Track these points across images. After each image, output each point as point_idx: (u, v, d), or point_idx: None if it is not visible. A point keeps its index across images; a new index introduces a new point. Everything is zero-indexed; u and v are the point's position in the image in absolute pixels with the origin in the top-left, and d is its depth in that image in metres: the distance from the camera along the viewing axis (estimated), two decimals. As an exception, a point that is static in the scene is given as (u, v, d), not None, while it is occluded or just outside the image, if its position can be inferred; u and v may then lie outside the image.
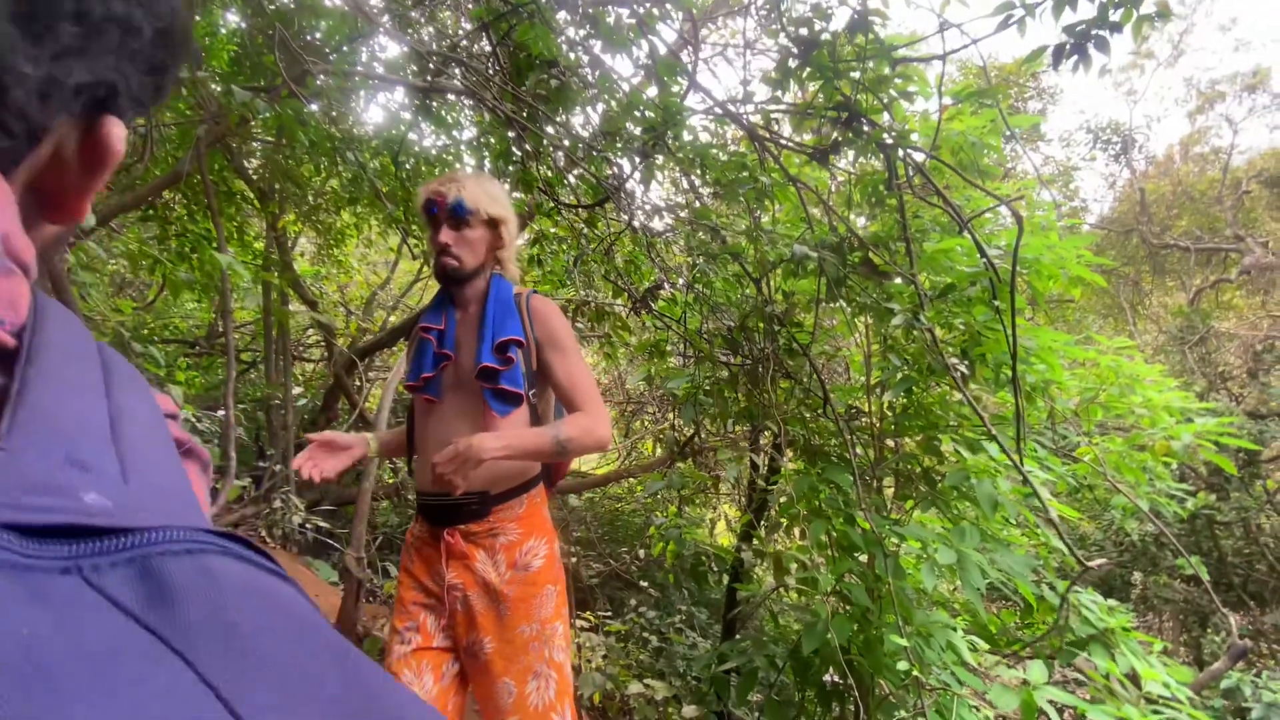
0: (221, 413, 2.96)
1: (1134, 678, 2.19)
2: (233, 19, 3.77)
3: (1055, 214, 2.48)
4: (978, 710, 2.25)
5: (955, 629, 2.36)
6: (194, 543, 0.23)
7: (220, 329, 5.91)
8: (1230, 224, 7.61)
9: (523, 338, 1.36)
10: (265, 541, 4.21)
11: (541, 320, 1.41)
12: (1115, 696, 2.12)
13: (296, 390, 5.45)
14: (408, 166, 3.41)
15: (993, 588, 2.57)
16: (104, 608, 0.19)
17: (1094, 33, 1.42)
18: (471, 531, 1.35)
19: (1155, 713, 2.05)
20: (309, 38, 3.21)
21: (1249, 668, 4.94)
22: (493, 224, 1.38)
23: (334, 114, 3.04)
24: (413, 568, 1.39)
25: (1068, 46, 1.44)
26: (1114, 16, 1.41)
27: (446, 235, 1.35)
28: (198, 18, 2.99)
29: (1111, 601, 2.61)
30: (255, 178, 4.10)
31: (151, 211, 3.89)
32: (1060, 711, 2.13)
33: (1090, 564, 1.57)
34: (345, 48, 2.95)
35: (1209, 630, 6.00)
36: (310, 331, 6.16)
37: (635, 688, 3.15)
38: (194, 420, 3.48)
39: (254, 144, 3.91)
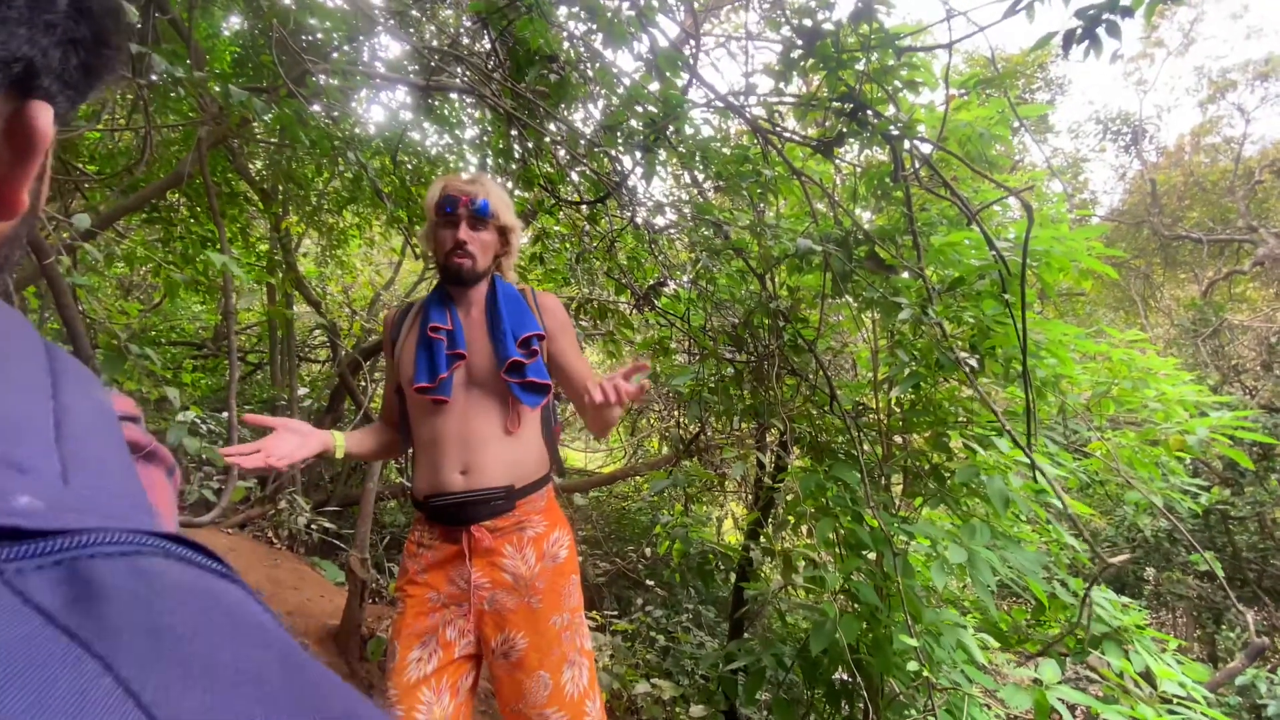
0: (225, 415, 2.96)
1: (1148, 676, 2.15)
2: (235, 21, 3.77)
3: (1065, 205, 2.44)
4: (989, 709, 2.22)
5: (966, 627, 2.33)
6: (131, 544, 0.22)
7: (226, 331, 5.93)
8: (1243, 215, 7.50)
9: (542, 332, 1.42)
10: (271, 542, 4.22)
11: (551, 313, 1.48)
12: (1129, 695, 2.08)
13: (302, 391, 5.47)
14: (409, 166, 3.39)
15: (1003, 585, 2.53)
16: (19, 610, 0.19)
17: (1105, 17, 1.38)
18: (498, 527, 1.35)
19: (1171, 712, 2.01)
20: (309, 38, 3.20)
21: (1264, 664, 4.88)
22: (504, 231, 1.42)
23: (335, 114, 3.03)
24: (426, 578, 1.35)
25: (1078, 31, 1.41)
26: (1125, 1, 1.37)
27: (465, 233, 1.37)
28: (199, 18, 2.99)
29: (1125, 598, 2.57)
30: (258, 179, 4.10)
31: (155, 214, 3.90)
32: (1072, 710, 2.10)
33: (1111, 561, 1.54)
34: (346, 47, 2.93)
35: (1223, 626, 5.93)
36: (316, 332, 6.17)
37: (642, 687, 3.13)
38: (199, 422, 3.49)
39: (257, 145, 3.91)
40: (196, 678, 0.19)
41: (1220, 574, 3.35)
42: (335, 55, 3.02)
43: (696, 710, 2.98)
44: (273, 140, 3.63)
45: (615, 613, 3.99)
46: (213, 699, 0.19)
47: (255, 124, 3.29)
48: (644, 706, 3.16)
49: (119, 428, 0.33)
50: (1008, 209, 2.43)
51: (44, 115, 0.31)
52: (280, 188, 4.14)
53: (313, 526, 3.70)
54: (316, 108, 2.75)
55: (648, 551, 4.88)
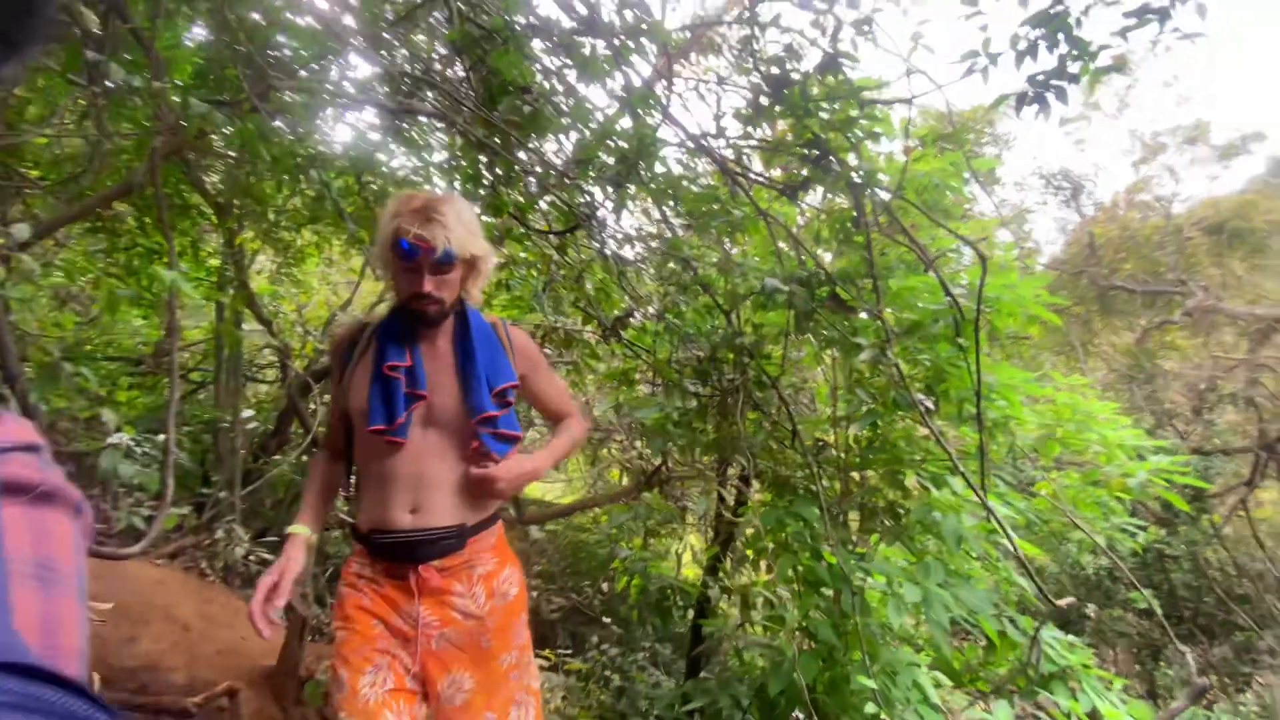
0: (162, 436, 2.80)
1: (1095, 716, 2.19)
2: (200, 32, 3.69)
3: (1014, 254, 2.55)
4: (943, 750, 2.22)
5: (920, 666, 2.34)
6: None
7: (168, 347, 5.66)
8: (1173, 268, 8.02)
9: (517, 381, 1.36)
10: (204, 574, 3.97)
11: (523, 352, 1.42)
12: (1077, 735, 2.11)
13: (248, 413, 5.22)
14: (374, 187, 3.34)
15: (955, 623, 2.57)
16: None
17: (1054, 83, 1.47)
18: (447, 566, 1.30)
19: (1116, 752, 2.04)
20: (277, 54, 3.15)
21: (1200, 701, 5.04)
22: (472, 261, 1.32)
23: (299, 131, 2.97)
24: (371, 606, 1.29)
25: (1029, 95, 1.49)
26: (1072, 69, 1.46)
27: (430, 284, 1.26)
28: (161, 28, 2.91)
29: (1070, 637, 2.63)
30: (213, 192, 3.97)
31: (100, 223, 3.72)
32: (1024, 752, 2.12)
33: (1059, 603, 1.57)
34: (315, 65, 2.90)
35: (1161, 663, 6.13)
36: (265, 352, 5.95)
37: (596, 730, 3.03)
38: (133, 443, 3.29)
39: (215, 158, 3.80)
40: None
41: (1159, 612, 3.46)
42: (303, 73, 2.98)
43: (651, 753, 2.90)
44: (231, 155, 3.53)
45: (569, 651, 3.87)
46: None
47: (214, 137, 3.20)
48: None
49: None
50: (961, 256, 2.53)
51: None
52: (236, 202, 4.02)
53: (250, 557, 3.50)
54: (279, 124, 2.69)
55: (604, 587, 4.78)
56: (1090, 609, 6.19)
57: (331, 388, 1.47)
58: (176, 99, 2.59)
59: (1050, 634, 2.48)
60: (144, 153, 3.05)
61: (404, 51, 3.31)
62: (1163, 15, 1.36)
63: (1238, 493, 6.81)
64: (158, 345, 6.05)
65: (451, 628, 1.29)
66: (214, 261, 4.50)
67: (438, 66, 3.19)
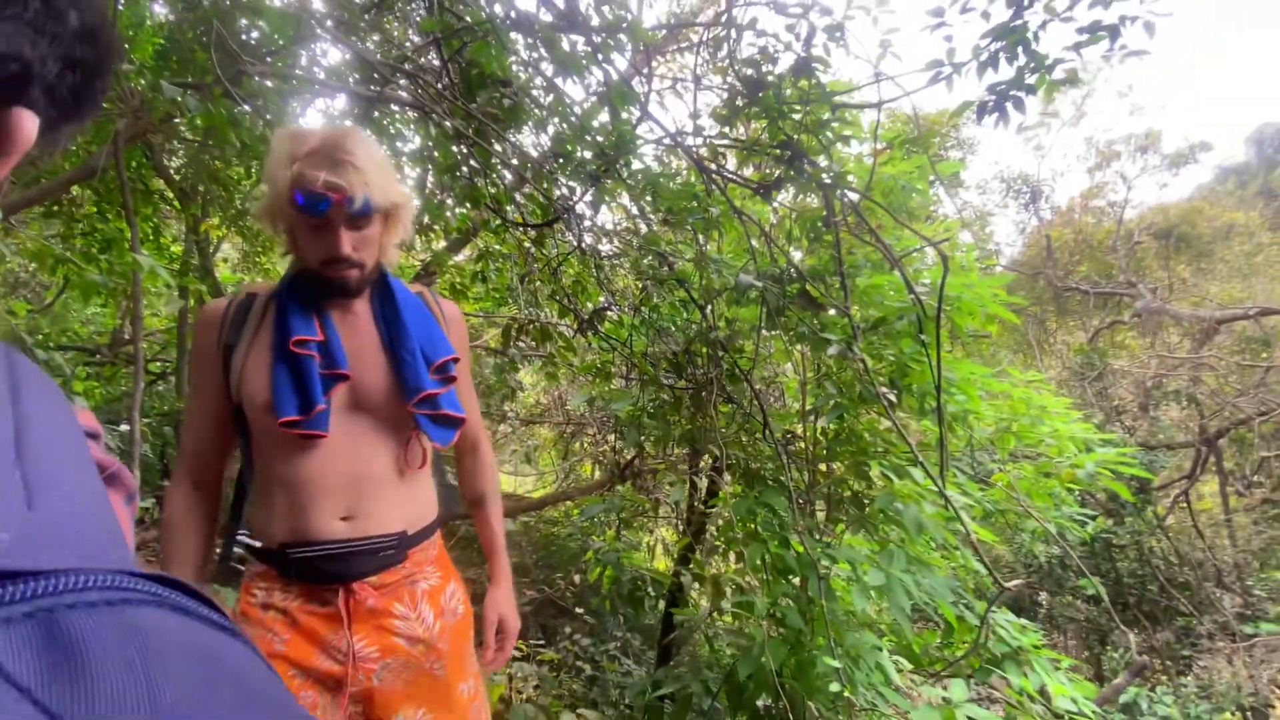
0: (125, 427, 2.72)
1: (1044, 693, 2.32)
2: (160, 10, 3.58)
3: (975, 255, 2.66)
4: (903, 731, 2.32)
5: (882, 650, 2.44)
6: (115, 589, 0.19)
7: (127, 336, 5.49)
8: (1124, 271, 8.38)
9: (457, 354, 1.14)
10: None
11: (456, 326, 1.20)
12: (1027, 712, 2.23)
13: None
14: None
15: (916, 609, 2.68)
16: None
17: (1012, 93, 1.55)
18: (385, 582, 1.07)
19: (1062, 727, 2.17)
20: (246, 37, 3.09)
21: (1144, 683, 5.32)
22: (391, 210, 1.06)
23: (269, 116, 2.92)
24: (285, 650, 1.03)
25: (990, 104, 1.57)
26: (1029, 80, 1.55)
27: (347, 242, 1.01)
28: (121, 6, 2.83)
29: (1023, 620, 2.77)
30: (177, 177, 3.87)
31: (57, 207, 3.60)
32: (978, 728, 2.23)
33: (1007, 585, 1.67)
34: (286, 49, 2.85)
35: (1108, 647, 6.44)
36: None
37: (568, 718, 3.07)
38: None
39: (180, 142, 3.70)
40: None
41: (1105, 598, 3.65)
42: (271, 59, 2.93)
43: (622, 740, 2.95)
44: (197, 139, 3.45)
45: (541, 642, 3.90)
46: None
47: (180, 121, 3.12)
48: (568, 738, 3.10)
49: (85, 443, 0.30)
50: (925, 256, 2.63)
51: (29, 122, 0.31)
52: (201, 188, 3.93)
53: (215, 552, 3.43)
54: (248, 109, 2.65)
55: (576, 579, 4.82)
56: (1043, 596, 6.46)
57: (197, 380, 1.11)
58: (143, 81, 2.52)
59: (1004, 618, 2.61)
60: (104, 135, 2.96)
61: (376, 37, 3.27)
62: (1113, 32, 1.44)
63: (1180, 485, 7.18)
64: (115, 334, 5.85)
65: (394, 657, 1.07)
66: (176, 249, 4.39)
67: (411, 54, 3.17)
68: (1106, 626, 6.28)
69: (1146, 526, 6.52)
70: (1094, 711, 2.16)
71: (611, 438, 4.59)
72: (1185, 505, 7.15)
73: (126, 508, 0.38)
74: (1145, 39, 1.43)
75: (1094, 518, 4.93)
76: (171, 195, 3.95)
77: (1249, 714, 5.08)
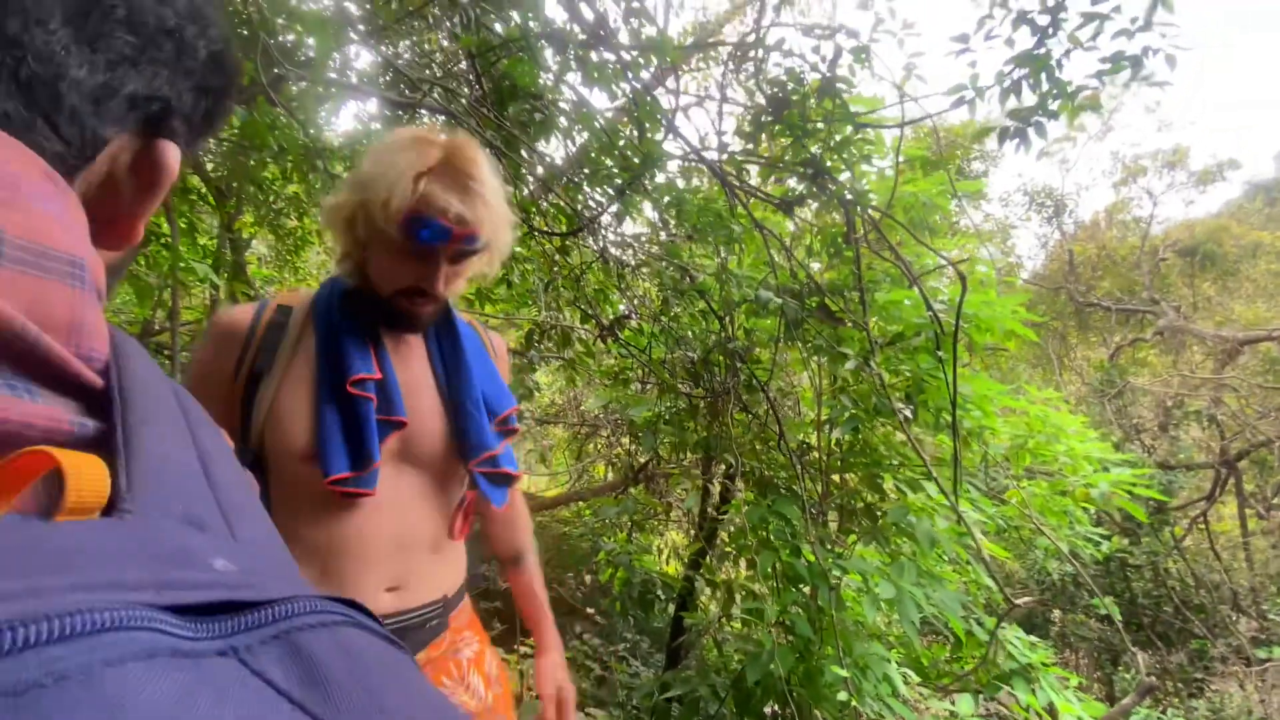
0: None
1: (1051, 711, 2.33)
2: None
3: (995, 272, 2.69)
4: (909, 742, 2.34)
5: (891, 661, 2.46)
6: (325, 614, 0.21)
7: (157, 327, 5.64)
8: (1147, 288, 8.29)
9: (517, 403, 1.03)
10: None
11: (503, 366, 1.07)
12: (1034, 729, 2.25)
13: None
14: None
15: (925, 622, 2.70)
16: (269, 696, 0.18)
17: (1034, 119, 1.58)
18: (431, 657, 0.96)
19: (1069, 745, 2.18)
20: (281, 39, 3.18)
21: (1155, 705, 5.26)
22: (492, 248, 0.93)
23: (302, 120, 3.02)
24: None
25: (1011, 129, 1.60)
26: (1052, 106, 1.58)
27: (444, 278, 0.87)
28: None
29: (1033, 638, 2.78)
30: (214, 176, 3.99)
31: (98, 202, 3.73)
32: (984, 743, 2.24)
33: (1018, 601, 1.69)
34: (327, 55, 2.94)
35: (1120, 668, 6.36)
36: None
37: (577, 716, 3.13)
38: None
39: (215, 143, 3.82)
40: None
41: (1118, 618, 3.63)
42: (307, 63, 3.02)
43: (630, 740, 3.00)
44: (234, 140, 3.55)
45: (552, 639, 3.96)
46: None
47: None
48: (576, 736, 3.15)
49: (243, 470, 0.31)
50: (945, 272, 2.65)
51: (172, 154, 0.33)
52: (236, 185, 4.04)
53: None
54: (284, 114, 2.74)
55: (587, 579, 4.87)
56: (1055, 614, 6.40)
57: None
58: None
59: (1014, 634, 2.62)
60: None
61: (407, 42, 3.36)
62: (1135, 63, 1.47)
63: (1198, 507, 7.08)
64: (144, 326, 6.01)
65: None
66: (209, 243, 4.51)
67: (440, 60, 3.25)
68: (1119, 646, 6.21)
69: (1163, 547, 6.44)
70: (1101, 730, 2.17)
71: (625, 441, 4.64)
72: (1203, 527, 7.05)
73: None
74: (1167, 70, 1.46)
75: (1109, 537, 4.89)
76: (207, 193, 4.07)
77: (1262, 740, 5.00)
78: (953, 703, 2.37)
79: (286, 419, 0.86)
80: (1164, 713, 5.07)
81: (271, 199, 4.00)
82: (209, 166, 4.04)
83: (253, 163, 3.56)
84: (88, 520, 0.21)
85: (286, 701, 0.18)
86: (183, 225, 4.15)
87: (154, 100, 0.31)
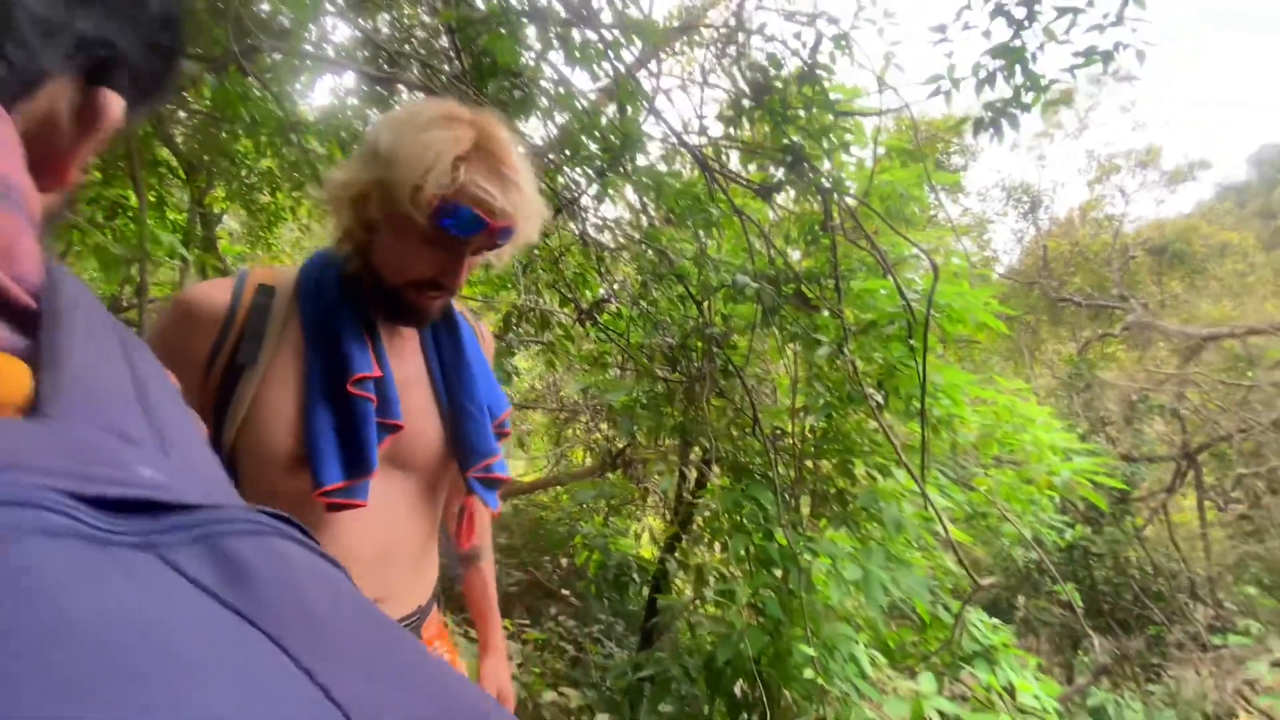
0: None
1: (1011, 690, 2.41)
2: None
3: (968, 264, 2.73)
4: (873, 721, 2.41)
5: (858, 642, 2.52)
6: (254, 523, 0.21)
7: (125, 303, 5.51)
8: (1117, 284, 8.48)
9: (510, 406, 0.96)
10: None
11: (491, 356, 1.00)
12: (994, 708, 2.32)
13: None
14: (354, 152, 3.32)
15: (893, 605, 2.76)
16: (188, 588, 0.18)
17: (1008, 110, 1.60)
18: None
19: (1026, 723, 2.26)
20: (256, 9, 3.10)
21: (1114, 688, 5.46)
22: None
23: (276, 92, 2.95)
24: None
25: (986, 120, 1.63)
26: (1025, 99, 1.60)
27: (467, 268, 0.80)
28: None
29: (996, 621, 2.86)
30: (184, 149, 3.89)
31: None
32: (945, 720, 2.32)
33: (982, 584, 1.74)
34: (303, 27, 2.87)
35: (1080, 652, 6.58)
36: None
37: (549, 696, 3.16)
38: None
39: (185, 114, 3.71)
40: (352, 667, 0.18)
41: (1078, 604, 3.75)
42: (283, 34, 2.95)
43: (602, 719, 3.04)
44: (205, 112, 3.46)
45: (526, 622, 3.98)
46: (365, 684, 0.18)
47: (188, 93, 3.14)
48: (550, 716, 3.18)
49: (182, 398, 0.31)
50: (920, 262, 2.69)
51: (115, 103, 0.33)
52: (207, 159, 3.94)
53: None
54: (256, 84, 2.67)
55: (564, 562, 4.90)
56: (1020, 599, 6.59)
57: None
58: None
59: (977, 617, 2.70)
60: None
61: (386, 16, 3.29)
62: (1107, 57, 1.50)
63: (1159, 498, 7.31)
64: (112, 301, 5.86)
65: None
66: (179, 218, 4.40)
67: (420, 34, 3.19)
68: (1080, 632, 6.42)
69: (1124, 536, 6.65)
70: (1055, 709, 2.25)
71: (604, 426, 4.66)
72: (1163, 517, 7.29)
73: None
74: (1138, 66, 1.49)
75: (1072, 525, 5.03)
76: (177, 166, 3.96)
77: (1213, 722, 5.21)
78: (916, 680, 2.43)
79: (270, 420, 0.77)
80: (1122, 696, 5.26)
81: (244, 173, 3.91)
82: (179, 139, 3.93)
83: (225, 135, 3.47)
84: (6, 418, 0.20)
85: (205, 594, 0.17)
86: (152, 199, 4.04)
87: (102, 44, 0.31)
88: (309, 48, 2.97)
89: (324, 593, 0.21)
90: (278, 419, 0.77)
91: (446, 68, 2.55)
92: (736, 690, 2.61)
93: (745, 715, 2.61)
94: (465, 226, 0.74)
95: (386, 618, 0.23)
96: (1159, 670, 6.21)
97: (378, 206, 0.75)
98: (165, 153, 3.93)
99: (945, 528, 1.92)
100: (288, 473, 0.76)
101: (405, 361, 0.87)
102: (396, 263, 0.78)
